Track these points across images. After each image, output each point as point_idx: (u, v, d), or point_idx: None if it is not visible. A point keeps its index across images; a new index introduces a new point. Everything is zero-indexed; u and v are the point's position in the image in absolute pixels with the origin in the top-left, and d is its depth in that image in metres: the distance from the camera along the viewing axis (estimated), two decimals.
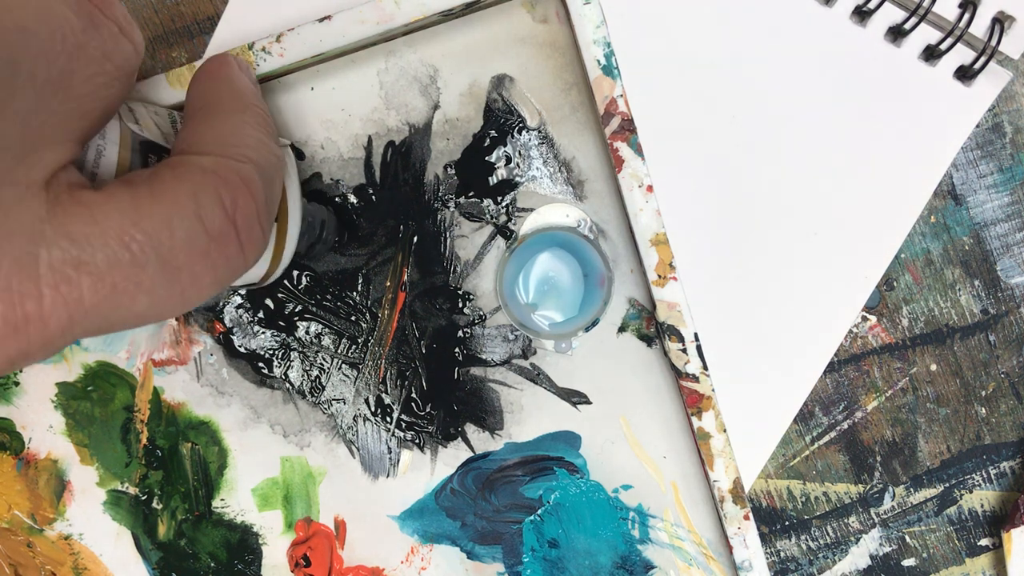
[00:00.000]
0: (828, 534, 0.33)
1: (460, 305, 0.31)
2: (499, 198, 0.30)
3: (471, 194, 0.30)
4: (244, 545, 0.33)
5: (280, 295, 0.31)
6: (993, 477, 0.32)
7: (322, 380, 0.32)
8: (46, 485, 0.33)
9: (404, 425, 0.32)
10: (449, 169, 0.30)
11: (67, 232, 0.18)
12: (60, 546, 0.34)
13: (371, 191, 0.31)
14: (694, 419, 0.29)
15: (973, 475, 0.32)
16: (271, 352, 0.32)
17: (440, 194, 0.31)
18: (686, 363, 0.29)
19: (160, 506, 0.33)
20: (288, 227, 0.26)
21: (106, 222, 0.18)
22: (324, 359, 0.32)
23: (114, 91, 0.20)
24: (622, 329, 0.31)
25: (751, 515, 0.29)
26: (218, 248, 0.20)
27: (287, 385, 0.32)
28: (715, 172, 0.31)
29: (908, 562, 0.33)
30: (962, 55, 0.30)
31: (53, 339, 0.18)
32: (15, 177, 0.17)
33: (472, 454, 0.32)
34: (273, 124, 0.24)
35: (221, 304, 0.32)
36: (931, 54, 0.30)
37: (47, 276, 0.17)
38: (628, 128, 0.28)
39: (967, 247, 0.31)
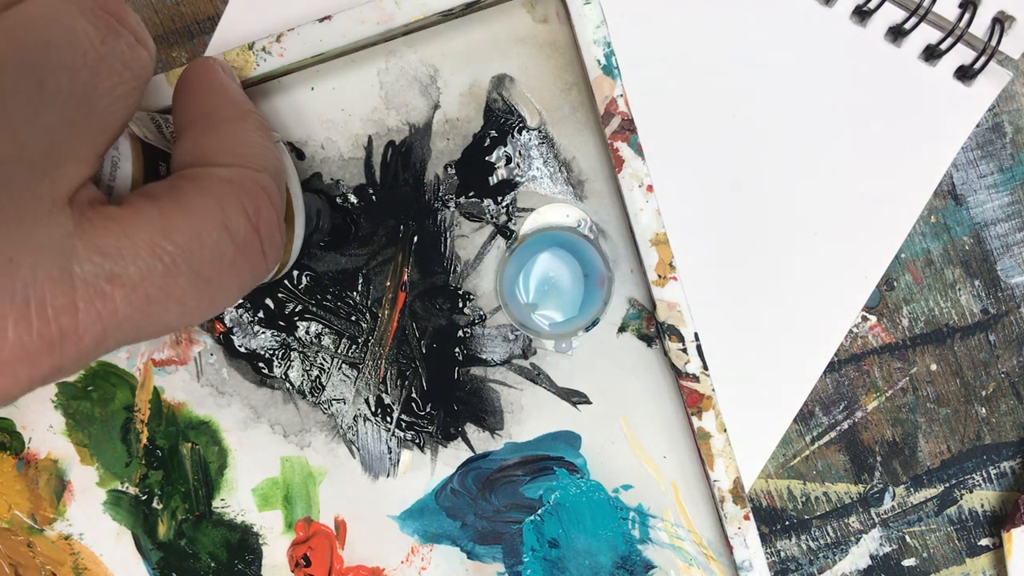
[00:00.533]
0: (828, 534, 0.33)
1: (460, 305, 0.31)
2: (499, 198, 0.30)
3: (471, 194, 0.30)
4: (244, 545, 0.33)
5: (280, 295, 0.31)
6: (993, 477, 0.32)
7: (322, 380, 0.32)
8: (46, 485, 0.33)
9: (404, 425, 0.32)
10: (449, 169, 0.30)
11: (97, 246, 0.18)
12: (60, 546, 0.34)
13: (371, 191, 0.31)
14: (694, 419, 0.29)
15: (973, 475, 0.32)
16: (271, 352, 0.32)
17: (440, 194, 0.31)
18: (686, 363, 0.29)
19: (160, 506, 0.33)
20: (295, 225, 0.26)
21: (137, 235, 0.18)
22: (324, 359, 0.32)
23: (131, 102, 0.20)
24: (622, 329, 0.31)
25: (751, 515, 0.29)
26: (243, 256, 0.21)
27: (287, 385, 0.32)
28: (715, 172, 0.31)
29: (908, 562, 0.33)
30: (962, 55, 0.30)
31: (87, 353, 0.18)
32: (40, 193, 0.17)
33: (472, 454, 0.32)
34: (267, 126, 0.25)
35: None
36: (931, 54, 0.30)
37: (81, 290, 0.17)
38: (628, 128, 0.28)
39: (967, 247, 0.31)
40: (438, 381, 0.31)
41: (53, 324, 0.17)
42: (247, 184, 0.21)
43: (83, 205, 0.18)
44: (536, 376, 0.31)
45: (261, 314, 0.32)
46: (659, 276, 0.28)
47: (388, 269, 0.31)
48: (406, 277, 0.31)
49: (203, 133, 0.23)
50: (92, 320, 0.18)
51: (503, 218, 0.30)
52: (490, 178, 0.30)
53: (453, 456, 0.32)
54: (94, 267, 0.17)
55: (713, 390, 0.29)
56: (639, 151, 0.28)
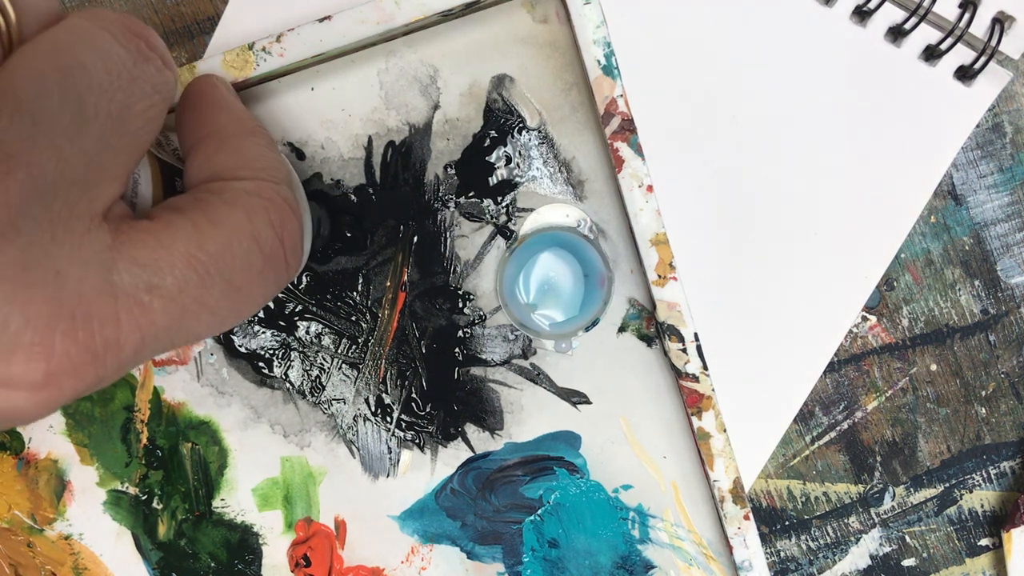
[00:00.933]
0: (828, 534, 0.33)
1: (460, 305, 0.31)
2: (499, 198, 0.30)
3: (471, 194, 0.30)
4: (244, 545, 0.33)
5: (280, 295, 0.31)
6: (993, 477, 0.32)
7: (322, 380, 0.32)
8: (46, 485, 0.33)
9: (404, 425, 0.32)
10: (449, 169, 0.30)
11: (134, 258, 0.18)
12: (60, 546, 0.34)
13: (371, 191, 0.31)
14: (694, 419, 0.29)
15: (973, 475, 0.32)
16: (271, 352, 0.32)
17: (440, 194, 0.31)
18: (686, 363, 0.29)
19: (160, 506, 0.33)
20: (304, 230, 0.27)
21: (173, 247, 0.19)
22: (324, 359, 0.32)
23: (159, 123, 0.20)
24: (622, 329, 0.31)
25: (751, 515, 0.29)
26: (270, 266, 0.22)
27: (287, 385, 0.32)
28: (715, 172, 0.31)
29: (908, 562, 0.33)
30: (962, 55, 0.30)
31: (126, 363, 0.19)
32: (81, 210, 0.18)
33: (472, 454, 0.32)
34: (273, 140, 0.25)
35: None
36: (931, 54, 0.30)
37: (123, 301, 0.18)
38: (628, 128, 0.28)
39: (967, 247, 0.31)
40: (438, 381, 0.31)
41: (97, 335, 0.17)
42: (271, 196, 0.22)
43: (117, 220, 0.19)
44: (536, 376, 0.31)
45: (261, 314, 0.32)
46: (659, 276, 0.28)
47: (388, 269, 0.31)
48: (406, 277, 0.31)
49: (216, 150, 0.23)
50: (133, 330, 0.18)
51: (503, 218, 0.30)
52: (490, 178, 0.30)
53: (453, 456, 0.32)
54: (133, 278, 0.18)
55: (713, 390, 0.29)
56: (639, 151, 0.28)
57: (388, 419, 0.32)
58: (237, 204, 0.21)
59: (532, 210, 0.30)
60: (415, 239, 0.31)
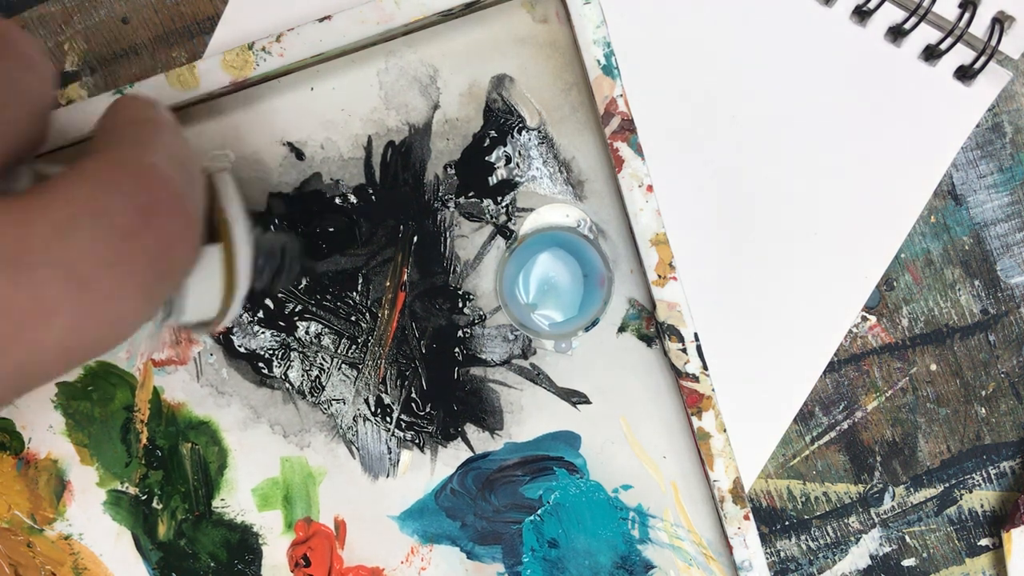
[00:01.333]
0: (828, 534, 0.33)
1: (460, 305, 0.31)
2: (499, 198, 0.30)
3: (471, 194, 0.30)
4: (244, 545, 0.33)
5: (280, 295, 0.31)
6: (993, 477, 0.32)
7: (322, 380, 0.32)
8: (46, 485, 0.33)
9: (404, 425, 0.32)
10: (449, 169, 0.30)
11: None
12: (60, 546, 0.34)
13: (371, 191, 0.31)
14: (694, 419, 0.29)
15: (973, 475, 0.32)
16: (271, 352, 0.32)
17: (440, 194, 0.31)
18: (686, 363, 0.29)
19: (160, 506, 0.33)
20: (236, 259, 0.23)
21: None
22: (324, 359, 0.32)
23: (23, 126, 0.18)
24: (622, 329, 0.31)
25: (751, 515, 0.29)
26: (132, 247, 0.17)
27: (287, 385, 0.32)
28: (715, 172, 0.31)
29: (908, 562, 0.33)
30: (962, 55, 0.30)
31: None
32: None
33: (472, 454, 0.32)
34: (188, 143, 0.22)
35: None
36: (931, 54, 0.30)
37: None
38: (628, 128, 0.28)
39: (967, 247, 0.31)
40: (438, 381, 0.31)
41: None
42: (131, 164, 0.18)
43: None
44: (536, 376, 0.31)
45: (261, 314, 0.32)
46: (659, 276, 0.28)
47: (388, 269, 0.31)
48: (406, 277, 0.31)
49: (107, 132, 0.20)
50: None
51: (503, 218, 0.30)
52: (490, 178, 0.30)
53: (453, 456, 0.32)
54: None
55: (713, 390, 0.29)
56: (639, 151, 0.28)
57: (388, 419, 0.32)
58: (84, 176, 0.17)
59: (532, 210, 0.30)
60: (415, 239, 0.31)
